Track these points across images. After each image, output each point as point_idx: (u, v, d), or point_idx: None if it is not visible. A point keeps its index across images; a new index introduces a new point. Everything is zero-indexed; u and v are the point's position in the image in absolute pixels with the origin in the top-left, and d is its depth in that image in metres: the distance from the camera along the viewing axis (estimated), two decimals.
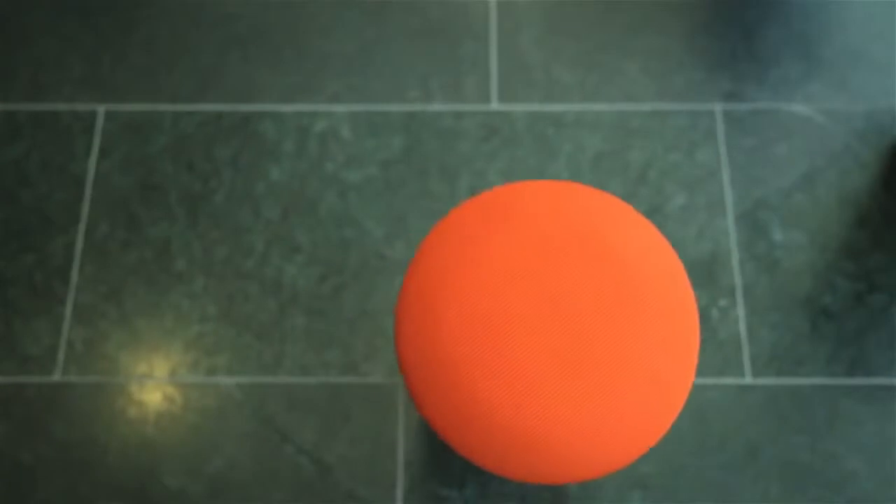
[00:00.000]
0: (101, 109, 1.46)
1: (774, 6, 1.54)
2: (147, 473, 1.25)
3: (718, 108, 1.47)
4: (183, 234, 1.38)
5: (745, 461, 1.27)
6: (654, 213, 1.39)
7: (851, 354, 1.32)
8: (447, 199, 1.40)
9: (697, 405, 1.29)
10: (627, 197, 1.41)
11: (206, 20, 1.52)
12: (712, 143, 1.45)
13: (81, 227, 1.38)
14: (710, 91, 1.48)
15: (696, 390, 1.30)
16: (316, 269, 1.36)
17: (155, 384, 1.29)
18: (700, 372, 1.31)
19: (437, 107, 1.46)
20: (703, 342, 1.33)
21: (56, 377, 1.29)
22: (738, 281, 1.36)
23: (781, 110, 1.47)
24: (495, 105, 1.46)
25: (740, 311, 1.34)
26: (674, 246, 1.38)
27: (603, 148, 1.44)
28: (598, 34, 1.52)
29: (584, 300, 0.50)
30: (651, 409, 0.50)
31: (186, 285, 1.35)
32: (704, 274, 1.37)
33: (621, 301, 0.50)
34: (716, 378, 1.31)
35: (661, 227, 1.39)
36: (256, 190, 1.41)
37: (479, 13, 1.53)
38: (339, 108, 1.46)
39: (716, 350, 1.32)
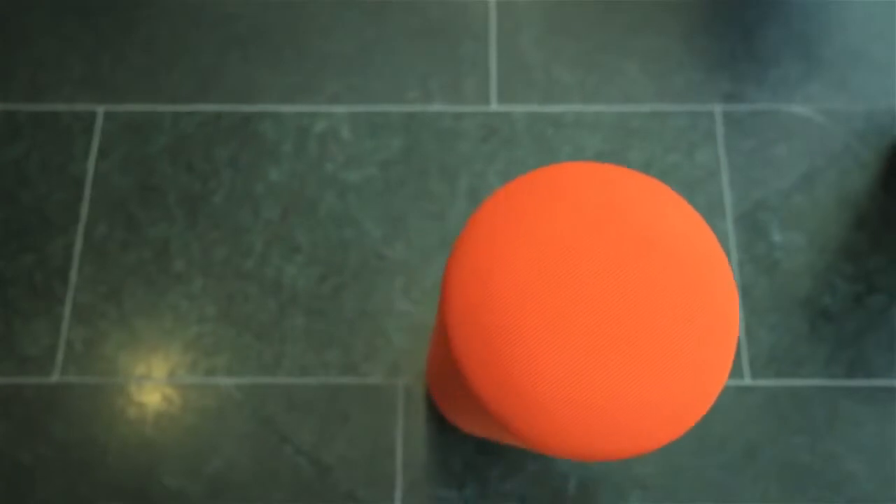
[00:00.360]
0: (100, 110, 1.45)
1: (774, 6, 1.54)
2: (146, 474, 1.25)
3: (718, 108, 1.47)
4: (182, 234, 1.38)
5: (745, 462, 1.27)
6: None
7: (851, 356, 1.32)
8: (447, 199, 1.40)
9: None
10: None
11: (206, 20, 1.52)
12: (712, 143, 1.45)
13: (81, 228, 1.38)
14: (709, 92, 1.48)
15: None
16: (315, 270, 1.36)
17: (154, 385, 1.29)
18: None
19: (436, 107, 1.46)
20: None
21: (55, 378, 1.29)
22: (737, 282, 1.36)
23: (781, 111, 1.47)
24: (495, 106, 1.46)
25: (739, 312, 1.34)
26: None
27: (602, 148, 1.44)
28: (597, 35, 1.52)
29: (634, 277, 0.52)
30: (698, 387, 0.50)
31: (185, 286, 1.35)
32: None
33: (671, 281, 0.52)
34: None
35: None
36: (256, 190, 1.41)
37: (479, 14, 1.53)
38: (339, 109, 1.46)
39: None
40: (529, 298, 0.51)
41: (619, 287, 0.51)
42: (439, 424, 1.28)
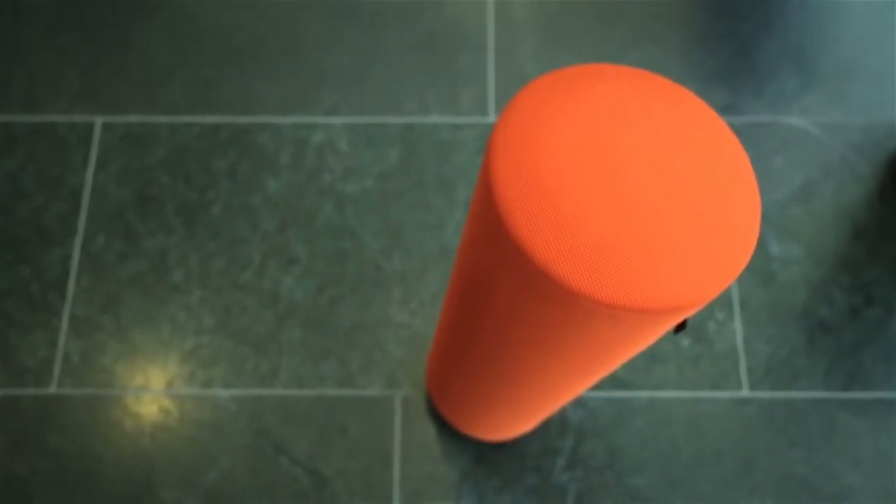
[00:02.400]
0: (98, 121, 1.46)
1: (771, 20, 1.54)
2: (143, 485, 1.25)
3: None
4: (180, 245, 1.38)
5: (741, 474, 1.27)
6: None
7: (848, 368, 1.32)
8: (444, 210, 1.40)
9: (693, 418, 1.29)
10: None
11: (204, 33, 1.52)
12: None
13: (78, 239, 1.38)
14: (707, 103, 1.48)
15: (692, 403, 1.30)
16: (313, 281, 1.36)
17: (151, 396, 1.29)
18: (696, 385, 1.31)
19: (434, 119, 1.47)
20: (700, 355, 1.33)
21: (52, 389, 1.29)
22: (734, 294, 1.36)
23: (778, 123, 1.47)
24: (492, 117, 1.46)
25: (737, 324, 1.34)
26: None
27: None
28: (594, 47, 1.52)
29: (679, 140, 0.56)
30: (730, 246, 0.54)
31: (183, 297, 1.35)
32: None
33: (713, 150, 0.56)
34: (712, 391, 1.31)
35: None
36: (253, 202, 1.41)
37: (477, 26, 1.53)
38: (337, 121, 1.46)
39: (712, 363, 1.32)
40: (581, 156, 0.54)
41: (662, 155, 0.55)
42: (437, 436, 1.28)
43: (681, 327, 0.62)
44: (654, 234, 0.53)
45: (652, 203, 0.53)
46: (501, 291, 0.62)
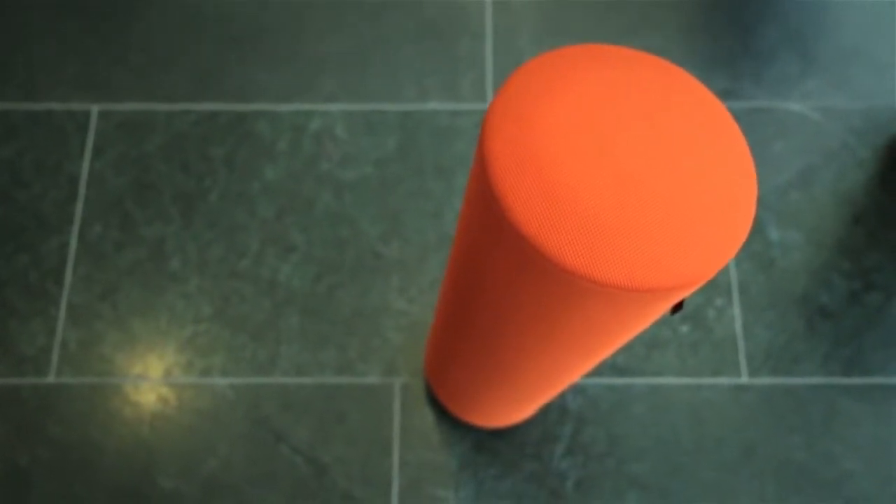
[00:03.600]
0: (95, 109, 1.45)
1: (772, 4, 1.53)
2: (142, 474, 1.25)
3: None
4: (177, 233, 1.37)
5: (741, 461, 1.27)
6: None
7: (848, 353, 1.32)
8: (443, 198, 1.40)
9: (693, 405, 1.29)
10: None
11: (202, 20, 1.51)
12: None
13: (75, 228, 1.37)
14: (707, 88, 1.47)
15: (692, 390, 1.30)
16: (311, 269, 1.36)
17: (150, 385, 1.29)
18: (695, 371, 1.31)
19: (432, 106, 1.46)
20: (699, 342, 1.32)
21: (51, 378, 1.29)
22: (734, 280, 1.36)
23: (778, 108, 1.46)
24: None
25: (736, 310, 1.34)
26: None
27: None
28: (594, 32, 1.51)
29: (675, 120, 0.56)
30: (727, 223, 0.54)
31: (181, 285, 1.34)
32: None
33: (708, 129, 0.56)
34: (712, 378, 1.30)
35: None
36: (251, 189, 1.40)
37: (476, 12, 1.52)
38: (335, 108, 1.46)
39: (712, 349, 1.32)
40: (577, 132, 0.54)
41: (657, 134, 0.55)
42: (437, 424, 1.28)
43: (677, 308, 0.62)
44: (650, 213, 0.52)
45: (648, 181, 0.53)
46: (497, 272, 0.61)
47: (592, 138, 0.54)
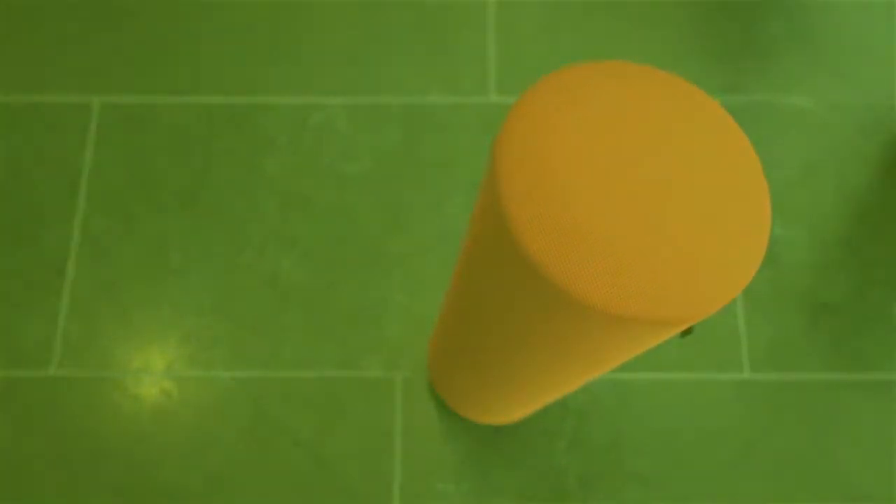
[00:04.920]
0: (96, 101, 1.45)
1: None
2: (144, 467, 1.25)
3: (718, 100, 1.46)
4: (179, 227, 1.37)
5: (743, 456, 1.27)
6: None
7: (851, 349, 1.32)
8: (445, 191, 1.39)
9: (695, 400, 1.29)
10: None
11: (203, 12, 1.51)
12: None
13: (77, 220, 1.37)
14: (710, 83, 1.47)
15: (694, 385, 1.30)
16: (312, 263, 1.35)
17: (152, 378, 1.29)
18: (698, 367, 1.31)
19: (434, 99, 1.45)
20: (702, 337, 1.32)
21: (52, 371, 1.29)
22: None
23: (782, 103, 1.46)
24: (493, 97, 1.45)
25: (739, 305, 1.34)
26: None
27: None
28: (597, 25, 1.51)
29: (690, 144, 0.55)
30: (743, 245, 0.53)
31: (183, 279, 1.34)
32: None
33: (722, 153, 0.55)
34: (714, 373, 1.30)
35: None
36: (253, 183, 1.40)
37: (477, 4, 1.51)
38: (336, 101, 1.45)
39: (714, 345, 1.32)
40: (587, 158, 0.53)
41: (670, 160, 0.54)
42: (438, 417, 1.28)
43: (687, 332, 0.61)
44: (666, 244, 0.51)
45: (663, 210, 0.52)
46: (506, 297, 0.61)
47: (606, 164, 0.53)
